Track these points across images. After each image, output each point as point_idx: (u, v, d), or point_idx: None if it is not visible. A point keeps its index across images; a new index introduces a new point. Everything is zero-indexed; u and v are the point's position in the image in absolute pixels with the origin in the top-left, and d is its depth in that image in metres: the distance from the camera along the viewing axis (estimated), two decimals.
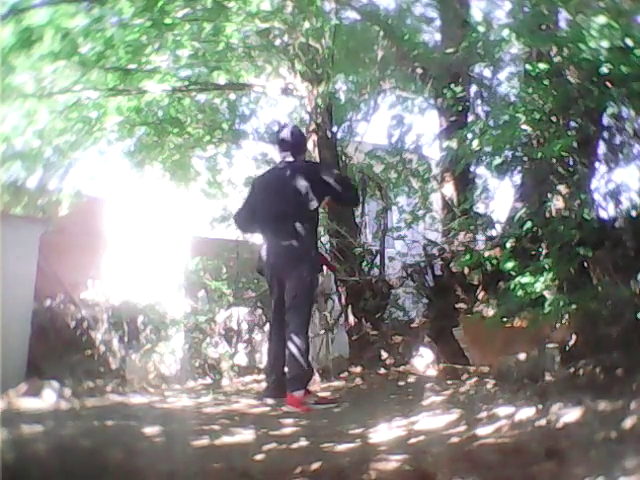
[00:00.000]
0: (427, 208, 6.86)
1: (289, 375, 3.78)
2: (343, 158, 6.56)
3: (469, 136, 4.43)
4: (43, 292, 4.97)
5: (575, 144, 3.82)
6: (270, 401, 3.75)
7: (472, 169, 5.69)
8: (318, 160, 6.14)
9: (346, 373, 5.10)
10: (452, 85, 5.29)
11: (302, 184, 3.93)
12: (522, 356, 3.68)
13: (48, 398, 3.54)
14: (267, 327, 6.37)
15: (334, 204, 4.76)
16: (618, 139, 3.98)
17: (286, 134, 4.14)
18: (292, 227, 3.90)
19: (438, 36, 6.38)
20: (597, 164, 4.08)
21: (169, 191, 7.91)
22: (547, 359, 3.59)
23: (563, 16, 4.22)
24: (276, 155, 4.43)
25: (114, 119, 6.26)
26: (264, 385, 4.23)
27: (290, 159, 4.07)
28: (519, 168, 4.58)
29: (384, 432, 2.52)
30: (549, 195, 4.30)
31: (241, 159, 7.84)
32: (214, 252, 6.66)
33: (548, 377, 3.21)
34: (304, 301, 3.90)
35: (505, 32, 4.53)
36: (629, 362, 2.79)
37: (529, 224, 4.15)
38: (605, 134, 4.04)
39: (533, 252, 4.18)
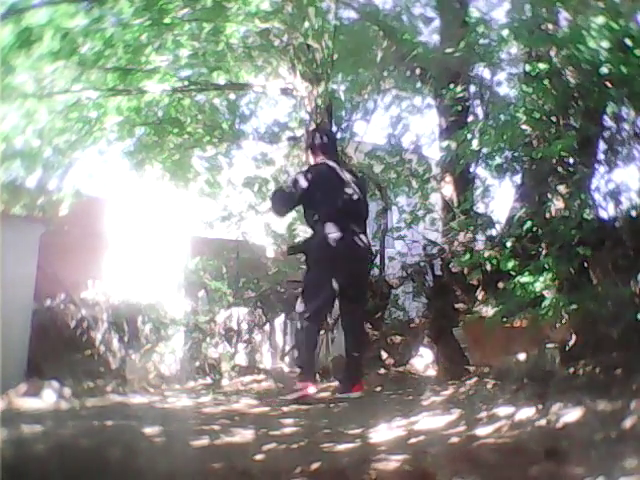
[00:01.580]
0: (427, 208, 6.86)
1: (356, 365, 4.09)
2: (343, 158, 6.56)
3: (469, 136, 4.43)
4: (43, 292, 4.97)
5: (575, 144, 3.82)
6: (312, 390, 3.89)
7: (472, 169, 5.69)
8: None
9: None
10: (452, 85, 5.29)
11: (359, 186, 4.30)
12: (522, 356, 3.68)
13: (48, 398, 3.54)
14: (267, 327, 6.38)
15: None
16: (618, 139, 3.98)
17: (325, 138, 4.48)
18: (362, 225, 4.20)
19: (437, 36, 6.38)
20: (597, 164, 4.08)
21: (169, 191, 7.90)
22: (547, 359, 3.59)
23: (563, 16, 4.22)
24: (313, 155, 4.54)
25: (114, 119, 6.24)
26: (301, 374, 4.07)
27: (332, 163, 4.30)
28: (519, 168, 4.58)
29: (384, 432, 2.52)
30: (549, 195, 4.31)
31: (241, 159, 7.84)
32: (214, 252, 6.65)
33: (548, 377, 3.20)
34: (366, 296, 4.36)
35: (505, 32, 4.53)
36: (629, 362, 2.79)
37: (529, 224, 4.16)
38: (605, 134, 4.04)
39: (533, 252, 4.18)
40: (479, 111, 5.77)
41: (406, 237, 6.46)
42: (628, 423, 1.90)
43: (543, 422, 2.19)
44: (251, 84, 6.59)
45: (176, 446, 2.32)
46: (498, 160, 4.43)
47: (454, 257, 5.21)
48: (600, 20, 3.53)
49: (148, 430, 2.56)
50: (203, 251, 6.75)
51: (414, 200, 7.10)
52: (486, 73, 5.71)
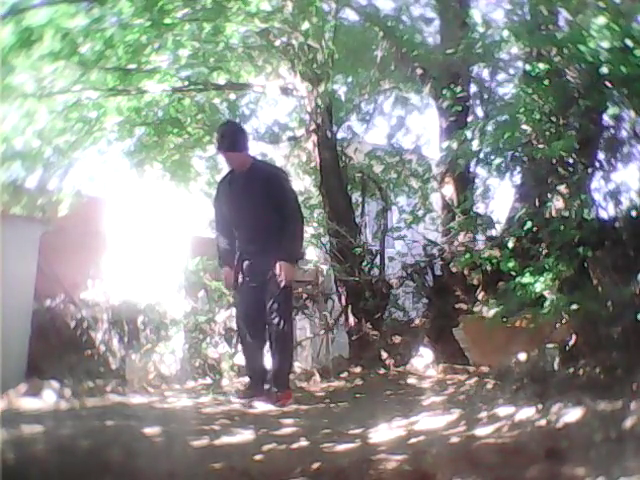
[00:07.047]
0: (427, 208, 6.85)
1: (278, 378, 3.82)
2: (343, 158, 6.56)
3: (469, 136, 4.43)
4: (43, 292, 4.95)
5: (575, 144, 3.82)
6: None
7: (472, 169, 5.69)
8: (319, 161, 6.16)
9: (346, 373, 5.09)
10: (452, 85, 5.29)
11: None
12: (522, 356, 3.68)
13: (48, 398, 3.53)
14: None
15: None
16: (618, 139, 3.98)
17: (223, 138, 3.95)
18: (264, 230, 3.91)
19: (438, 36, 6.38)
20: (597, 164, 4.08)
21: (169, 191, 7.90)
22: (547, 359, 3.59)
23: (563, 16, 4.22)
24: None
25: (114, 119, 6.24)
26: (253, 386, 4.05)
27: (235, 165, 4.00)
28: (519, 168, 4.58)
29: (384, 432, 2.52)
30: (549, 195, 4.31)
31: None
32: (214, 252, 6.64)
33: (548, 377, 3.21)
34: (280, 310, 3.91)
35: (505, 32, 4.53)
36: (629, 362, 2.80)
37: (529, 224, 4.16)
38: (605, 134, 4.05)
39: (533, 252, 4.18)
40: (479, 111, 5.77)
41: (406, 237, 6.46)
42: (628, 423, 1.90)
43: (543, 422, 2.19)
44: (251, 84, 6.59)
45: (176, 446, 2.32)
46: (498, 160, 4.43)
47: (454, 257, 5.21)
48: (600, 20, 3.53)
49: (148, 430, 2.56)
50: (203, 251, 6.73)
51: (414, 200, 7.10)
52: (486, 73, 5.72)
